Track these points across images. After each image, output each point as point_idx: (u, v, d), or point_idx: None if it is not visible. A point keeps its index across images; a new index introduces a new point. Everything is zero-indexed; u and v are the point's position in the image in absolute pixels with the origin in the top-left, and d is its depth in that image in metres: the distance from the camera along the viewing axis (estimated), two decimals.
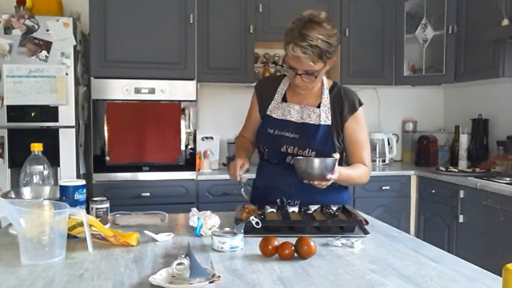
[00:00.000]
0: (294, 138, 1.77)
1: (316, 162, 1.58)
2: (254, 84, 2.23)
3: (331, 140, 1.77)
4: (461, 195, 2.98)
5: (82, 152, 3.14)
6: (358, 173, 1.79)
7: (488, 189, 2.75)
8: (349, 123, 1.80)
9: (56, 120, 2.92)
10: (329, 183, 1.59)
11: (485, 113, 3.52)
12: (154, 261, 1.22)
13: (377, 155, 3.76)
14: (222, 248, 1.30)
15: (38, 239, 1.18)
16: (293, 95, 1.84)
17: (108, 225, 1.49)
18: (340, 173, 1.63)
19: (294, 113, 1.81)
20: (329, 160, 1.58)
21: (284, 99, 1.85)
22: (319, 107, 1.80)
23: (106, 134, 3.02)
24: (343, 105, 1.79)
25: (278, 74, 3.68)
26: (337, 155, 1.61)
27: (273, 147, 1.81)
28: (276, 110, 1.83)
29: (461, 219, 3.00)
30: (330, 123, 1.78)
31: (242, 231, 1.34)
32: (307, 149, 1.75)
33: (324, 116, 1.78)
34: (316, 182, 1.58)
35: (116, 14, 3.06)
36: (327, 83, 1.84)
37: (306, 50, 1.61)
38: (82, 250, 1.28)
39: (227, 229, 1.38)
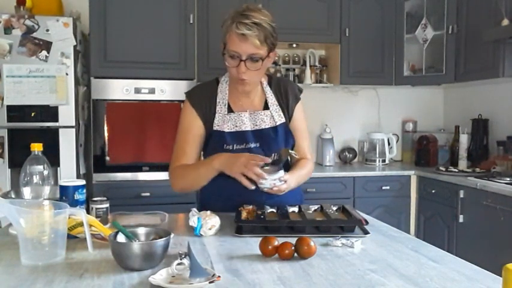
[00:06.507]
0: (256, 147, 1.69)
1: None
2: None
3: (290, 135, 1.75)
4: (461, 195, 2.98)
5: (82, 152, 3.14)
6: (306, 172, 1.76)
7: (488, 189, 2.75)
8: (296, 114, 1.78)
9: (56, 120, 2.92)
10: (282, 189, 1.57)
11: (485, 113, 3.52)
12: None
13: (377, 155, 3.76)
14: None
15: (38, 239, 1.18)
16: (236, 102, 1.73)
17: (108, 225, 1.49)
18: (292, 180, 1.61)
19: (246, 121, 1.70)
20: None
21: (229, 110, 1.72)
22: (266, 108, 1.74)
23: (106, 134, 3.02)
24: (288, 97, 1.77)
25: (279, 74, 3.68)
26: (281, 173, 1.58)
27: None
28: (226, 122, 1.69)
29: (461, 219, 3.00)
30: (284, 120, 1.75)
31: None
32: (273, 154, 1.69)
33: (277, 115, 1.73)
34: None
35: (116, 14, 3.06)
36: (264, 80, 1.78)
37: (251, 27, 1.54)
38: (82, 250, 1.28)
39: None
